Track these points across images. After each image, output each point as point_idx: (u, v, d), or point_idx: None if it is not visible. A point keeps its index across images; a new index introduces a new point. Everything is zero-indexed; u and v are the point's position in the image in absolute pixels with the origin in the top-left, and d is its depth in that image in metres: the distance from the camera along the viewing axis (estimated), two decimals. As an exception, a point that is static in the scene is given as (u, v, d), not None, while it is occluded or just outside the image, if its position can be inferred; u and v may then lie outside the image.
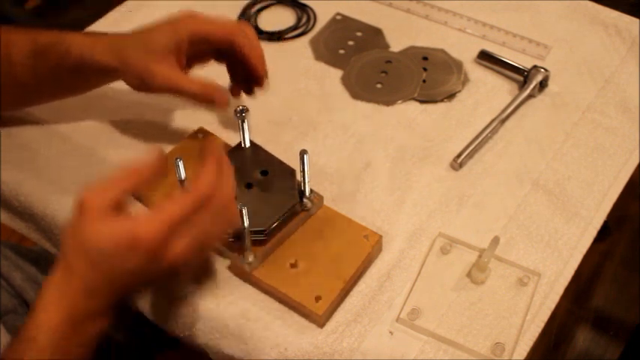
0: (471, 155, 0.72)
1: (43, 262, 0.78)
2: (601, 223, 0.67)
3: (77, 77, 0.67)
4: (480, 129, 0.74)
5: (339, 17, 0.89)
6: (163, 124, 0.76)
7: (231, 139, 0.72)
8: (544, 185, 0.70)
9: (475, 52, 0.82)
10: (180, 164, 0.56)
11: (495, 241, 0.61)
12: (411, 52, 0.84)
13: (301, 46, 0.85)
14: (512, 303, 0.61)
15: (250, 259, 0.61)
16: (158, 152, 0.53)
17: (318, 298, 0.59)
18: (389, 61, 0.83)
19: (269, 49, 0.85)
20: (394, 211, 0.68)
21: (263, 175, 0.65)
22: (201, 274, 0.62)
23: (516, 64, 0.80)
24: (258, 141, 0.68)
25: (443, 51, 0.83)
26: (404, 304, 0.61)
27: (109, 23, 0.89)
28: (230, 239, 0.61)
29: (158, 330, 0.67)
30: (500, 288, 0.62)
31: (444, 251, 0.65)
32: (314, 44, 0.85)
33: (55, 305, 0.51)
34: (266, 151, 0.67)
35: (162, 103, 0.75)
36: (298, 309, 0.60)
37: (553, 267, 0.63)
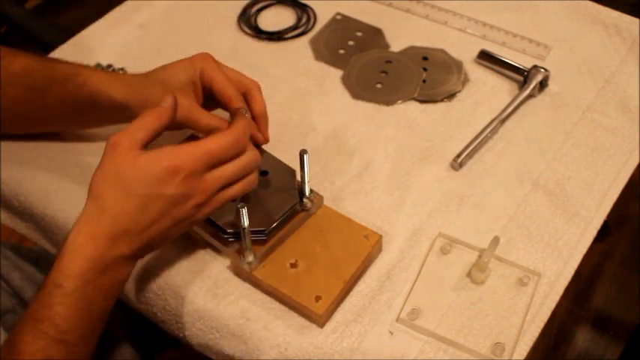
0: (470, 155, 0.72)
1: (43, 262, 0.78)
2: (601, 223, 0.67)
3: (90, 111, 0.67)
4: (479, 129, 0.74)
5: (339, 17, 0.89)
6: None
7: (231, 139, 0.71)
8: (544, 185, 0.70)
9: (475, 52, 0.82)
10: (244, 211, 0.57)
11: (495, 241, 0.61)
12: (411, 52, 0.84)
13: (301, 46, 0.85)
14: (512, 303, 0.61)
15: (250, 259, 0.61)
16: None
17: (318, 298, 0.59)
18: (389, 61, 0.83)
19: (269, 49, 0.86)
20: (394, 211, 0.68)
21: (263, 175, 0.65)
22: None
23: (516, 64, 0.80)
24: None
25: (443, 51, 0.83)
26: (404, 304, 0.61)
27: (109, 23, 0.89)
28: (230, 239, 0.62)
29: (158, 330, 0.67)
30: (500, 288, 0.62)
31: (444, 251, 0.65)
32: (314, 44, 0.85)
33: (82, 251, 0.52)
34: (266, 151, 0.67)
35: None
36: (298, 309, 0.60)
37: (553, 267, 0.63)
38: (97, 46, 0.86)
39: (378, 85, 0.80)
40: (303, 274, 0.61)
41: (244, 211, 0.57)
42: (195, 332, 0.63)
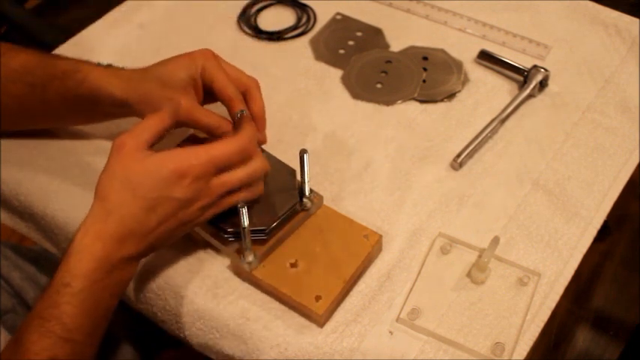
0: (470, 155, 0.72)
1: (43, 261, 0.79)
2: (601, 223, 0.67)
3: (90, 107, 0.67)
4: (479, 129, 0.74)
5: (339, 17, 0.89)
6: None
7: (231, 139, 0.71)
8: (544, 185, 0.70)
9: (475, 52, 0.82)
10: (244, 210, 0.57)
11: (495, 241, 0.61)
12: (411, 52, 0.84)
13: (301, 46, 0.85)
14: (512, 303, 0.61)
15: (250, 258, 0.61)
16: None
17: (318, 298, 0.59)
18: (389, 61, 0.83)
19: (269, 49, 0.86)
20: (394, 211, 0.68)
21: (263, 174, 0.65)
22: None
23: (516, 64, 0.80)
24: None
25: (443, 51, 0.83)
26: (404, 304, 0.61)
27: (109, 23, 0.89)
28: (230, 239, 0.62)
29: (158, 330, 0.67)
30: (500, 288, 0.62)
31: (444, 251, 0.65)
32: (314, 44, 0.85)
33: (89, 251, 0.53)
34: (266, 151, 0.67)
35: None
36: (298, 309, 0.60)
37: (553, 267, 0.63)
38: (97, 46, 0.86)
39: (378, 85, 0.80)
40: (303, 273, 0.61)
41: (244, 210, 0.57)
42: (195, 332, 0.63)
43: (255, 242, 0.61)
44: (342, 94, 0.80)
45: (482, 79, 0.81)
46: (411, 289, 0.62)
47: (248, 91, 0.67)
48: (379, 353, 0.59)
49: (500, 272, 0.63)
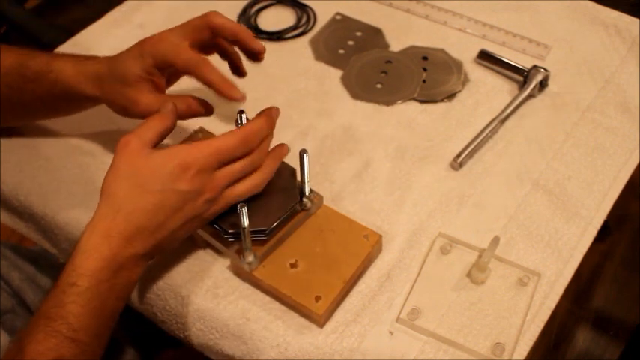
0: (470, 155, 0.72)
1: (43, 262, 0.79)
2: (601, 223, 0.67)
3: (67, 103, 0.69)
4: (479, 129, 0.74)
5: (339, 17, 0.89)
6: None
7: (231, 139, 0.71)
8: (544, 185, 0.70)
9: (475, 52, 0.82)
10: (244, 210, 0.57)
11: (495, 241, 0.61)
12: (411, 52, 0.84)
13: (301, 46, 0.85)
14: (512, 303, 0.61)
15: (250, 259, 0.61)
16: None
17: (318, 298, 0.59)
18: (389, 61, 0.83)
19: (269, 49, 0.85)
20: (394, 211, 0.68)
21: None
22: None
23: (516, 64, 0.80)
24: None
25: (443, 51, 0.83)
26: (404, 304, 0.61)
27: (109, 23, 0.89)
28: (230, 239, 0.62)
29: (158, 330, 0.67)
30: (500, 288, 0.62)
31: (444, 251, 0.65)
32: (314, 44, 0.85)
33: (96, 250, 0.53)
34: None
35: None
36: (298, 309, 0.60)
37: (553, 267, 0.63)
38: (97, 46, 0.86)
39: (378, 85, 0.80)
40: (303, 274, 0.61)
41: (244, 211, 0.57)
42: (196, 332, 0.63)
43: (255, 242, 0.61)
44: (342, 94, 0.80)
45: (482, 79, 0.81)
46: (411, 289, 0.62)
47: (201, 63, 0.64)
48: (379, 353, 0.59)
49: (500, 272, 0.63)
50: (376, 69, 0.82)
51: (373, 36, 0.86)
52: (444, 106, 0.78)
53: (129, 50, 0.64)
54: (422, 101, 0.78)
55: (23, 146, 0.75)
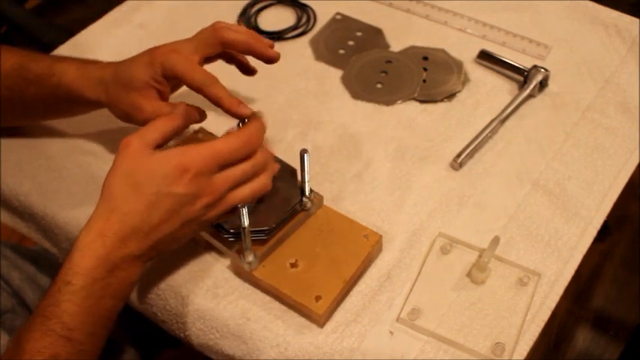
0: (471, 155, 0.72)
1: (43, 261, 0.79)
2: (601, 223, 0.67)
3: (69, 106, 0.69)
4: (479, 129, 0.74)
5: (339, 17, 0.89)
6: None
7: (231, 139, 0.71)
8: (544, 185, 0.70)
9: (475, 52, 0.82)
10: (244, 210, 0.57)
11: (495, 241, 0.61)
12: (411, 52, 0.84)
13: (301, 46, 0.85)
14: (512, 303, 0.61)
15: (250, 258, 0.61)
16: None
17: (318, 298, 0.59)
18: (389, 61, 0.83)
19: (269, 49, 0.85)
20: (394, 211, 0.68)
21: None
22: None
23: (516, 64, 0.80)
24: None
25: (443, 51, 0.83)
26: (404, 304, 0.61)
27: (109, 23, 0.89)
28: (230, 239, 0.62)
29: (158, 330, 0.67)
30: (500, 288, 0.62)
31: (444, 251, 0.65)
32: (314, 44, 0.85)
33: (91, 249, 0.53)
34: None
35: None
36: (298, 309, 0.60)
37: (553, 267, 0.63)
38: (97, 46, 0.86)
39: (378, 85, 0.80)
40: (303, 273, 0.61)
41: (244, 210, 0.57)
42: (196, 332, 0.63)
43: (255, 242, 0.61)
44: (342, 94, 0.80)
45: (482, 79, 0.81)
46: (411, 289, 0.62)
47: (210, 83, 0.64)
48: (379, 353, 0.59)
49: (500, 272, 0.63)
50: (376, 69, 0.82)
51: (373, 36, 0.86)
52: (444, 106, 0.78)
53: (138, 56, 0.64)
54: (422, 101, 0.78)
55: (23, 146, 0.75)
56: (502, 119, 0.75)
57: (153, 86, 0.63)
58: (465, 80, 0.80)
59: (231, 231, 0.61)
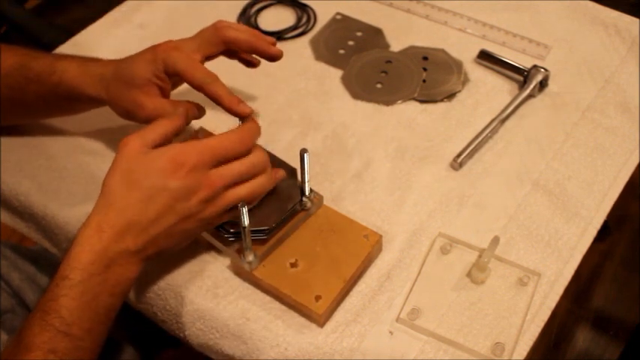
0: (470, 155, 0.72)
1: (43, 261, 0.79)
2: (601, 223, 0.67)
3: (70, 104, 0.69)
4: (479, 129, 0.74)
5: (339, 17, 0.89)
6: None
7: (231, 138, 0.71)
8: (544, 185, 0.70)
9: (475, 52, 0.82)
10: (244, 210, 0.57)
11: (495, 241, 0.61)
12: (411, 52, 0.84)
13: (301, 46, 0.85)
14: (512, 303, 0.61)
15: (250, 258, 0.61)
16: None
17: (318, 298, 0.59)
18: (389, 61, 0.83)
19: (269, 48, 0.85)
20: (394, 211, 0.68)
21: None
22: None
23: (516, 64, 0.80)
24: (258, 141, 0.68)
25: (443, 51, 0.83)
26: (404, 304, 0.61)
27: (109, 23, 0.89)
28: (230, 238, 0.62)
29: (158, 330, 0.67)
30: (500, 288, 0.62)
31: (444, 251, 0.65)
32: (314, 44, 0.85)
33: (88, 243, 0.53)
34: (266, 151, 0.67)
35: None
36: (298, 309, 0.60)
37: (553, 267, 0.63)
38: (97, 46, 0.86)
39: (378, 85, 0.80)
40: (303, 273, 0.61)
41: (244, 210, 0.57)
42: (196, 332, 0.63)
43: (255, 242, 0.61)
44: (342, 94, 0.80)
45: (482, 79, 0.81)
46: (411, 289, 0.62)
47: (211, 81, 0.65)
48: (379, 353, 0.59)
49: (500, 272, 0.63)
50: (376, 69, 0.82)
51: (373, 36, 0.86)
52: (444, 106, 0.78)
53: (140, 53, 0.65)
54: (422, 101, 0.78)
55: (23, 145, 0.75)
56: (502, 119, 0.75)
57: (155, 83, 0.63)
58: (465, 80, 0.80)
59: (231, 231, 0.61)
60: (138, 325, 0.77)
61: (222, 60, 0.69)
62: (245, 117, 0.61)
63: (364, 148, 0.74)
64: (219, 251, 0.65)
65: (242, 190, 0.58)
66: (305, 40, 0.86)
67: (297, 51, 0.85)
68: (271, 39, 0.68)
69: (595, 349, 0.71)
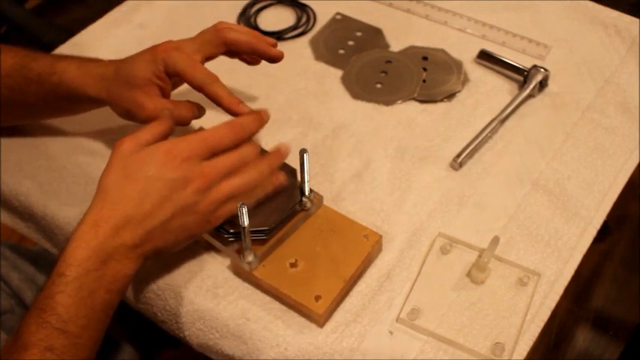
0: (470, 155, 0.72)
1: (43, 262, 0.79)
2: (601, 223, 0.67)
3: (70, 104, 0.69)
4: (479, 129, 0.74)
5: (338, 17, 0.89)
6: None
7: (231, 138, 0.71)
8: (544, 185, 0.70)
9: (475, 52, 0.82)
10: (244, 210, 0.57)
11: (495, 241, 0.61)
12: (411, 52, 0.84)
13: (301, 46, 0.85)
14: (512, 303, 0.61)
15: (250, 258, 0.61)
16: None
17: (318, 298, 0.59)
18: (389, 61, 0.83)
19: (269, 49, 0.85)
20: (394, 211, 0.68)
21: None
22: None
23: (516, 64, 0.80)
24: (258, 141, 0.68)
25: (443, 51, 0.83)
26: (404, 304, 0.61)
27: (109, 23, 0.89)
28: (230, 239, 0.62)
29: (158, 330, 0.67)
30: (500, 288, 0.62)
31: (444, 251, 0.65)
32: (314, 44, 0.85)
33: (84, 239, 0.53)
34: (266, 151, 0.67)
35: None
36: (298, 309, 0.60)
37: (553, 267, 0.63)
38: (97, 46, 0.86)
39: (378, 85, 0.80)
40: (303, 273, 0.61)
41: (244, 210, 0.57)
42: (195, 332, 0.63)
43: (255, 242, 0.61)
44: (342, 94, 0.80)
45: (482, 79, 0.81)
46: (410, 289, 0.62)
47: (212, 82, 0.65)
48: (379, 353, 0.59)
49: (500, 272, 0.63)
50: (376, 69, 0.82)
51: (373, 36, 0.86)
52: (443, 106, 0.78)
53: (141, 53, 0.65)
54: (422, 101, 0.78)
55: (23, 145, 0.75)
56: (502, 119, 0.75)
57: (155, 83, 0.63)
58: (465, 80, 0.80)
59: (231, 231, 0.61)
60: (138, 325, 0.77)
61: (222, 60, 0.69)
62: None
63: (364, 148, 0.74)
64: (219, 251, 0.65)
65: (234, 182, 0.59)
66: (305, 40, 0.86)
67: (297, 51, 0.85)
68: (272, 40, 0.68)
69: (595, 349, 0.71)
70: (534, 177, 0.71)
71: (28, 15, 1.01)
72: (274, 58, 0.68)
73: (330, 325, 0.60)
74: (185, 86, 0.65)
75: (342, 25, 0.88)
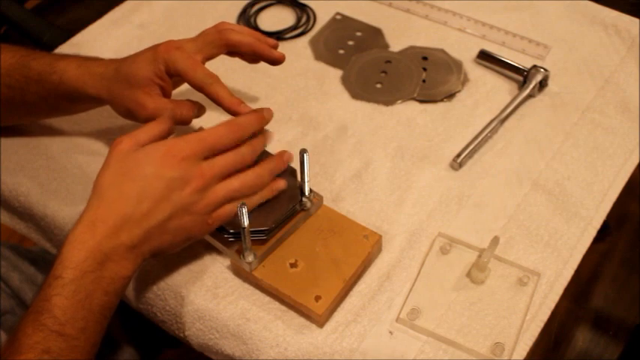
0: (470, 155, 0.72)
1: (43, 262, 0.79)
2: (601, 223, 0.67)
3: (71, 103, 0.69)
4: (479, 129, 0.74)
5: (338, 17, 0.89)
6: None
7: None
8: (544, 185, 0.70)
9: (475, 52, 0.82)
10: (244, 210, 0.57)
11: (495, 241, 0.61)
12: (410, 52, 0.84)
13: (301, 46, 0.85)
14: (512, 303, 0.61)
15: (250, 258, 0.61)
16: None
17: (318, 298, 0.59)
18: (389, 61, 0.83)
19: (269, 49, 0.85)
20: (394, 211, 0.68)
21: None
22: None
23: (516, 64, 0.80)
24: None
25: (443, 51, 0.83)
26: (403, 304, 0.61)
27: (108, 23, 0.89)
28: (230, 239, 0.62)
29: (158, 330, 0.67)
30: (500, 288, 0.62)
31: (444, 251, 0.65)
32: (314, 44, 0.85)
33: (80, 241, 0.53)
34: (266, 151, 0.67)
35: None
36: (298, 309, 0.61)
37: (553, 267, 0.63)
38: (96, 46, 0.86)
39: (378, 85, 0.80)
40: (303, 273, 0.61)
41: (244, 210, 0.57)
42: (195, 332, 0.63)
43: (255, 242, 0.61)
44: (342, 94, 0.80)
45: (482, 79, 0.81)
46: (410, 289, 0.62)
47: (211, 83, 0.65)
48: (379, 353, 0.59)
49: (500, 272, 0.63)
50: (376, 69, 0.82)
51: (373, 36, 0.86)
52: (443, 106, 0.78)
53: (141, 53, 0.65)
54: (422, 101, 0.78)
55: (23, 146, 0.75)
56: (502, 119, 0.75)
57: (156, 83, 0.63)
58: (465, 80, 0.80)
59: (231, 231, 0.61)
60: (138, 326, 0.77)
61: (222, 60, 0.69)
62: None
63: (364, 148, 0.74)
64: (219, 251, 0.65)
65: (233, 182, 0.59)
66: (305, 40, 0.86)
67: (297, 51, 0.85)
68: (274, 42, 0.68)
69: (595, 349, 0.71)
70: (534, 177, 0.71)
71: (28, 15, 1.01)
72: (276, 61, 0.68)
73: (330, 325, 0.60)
74: (185, 86, 0.65)
75: (342, 25, 0.88)
